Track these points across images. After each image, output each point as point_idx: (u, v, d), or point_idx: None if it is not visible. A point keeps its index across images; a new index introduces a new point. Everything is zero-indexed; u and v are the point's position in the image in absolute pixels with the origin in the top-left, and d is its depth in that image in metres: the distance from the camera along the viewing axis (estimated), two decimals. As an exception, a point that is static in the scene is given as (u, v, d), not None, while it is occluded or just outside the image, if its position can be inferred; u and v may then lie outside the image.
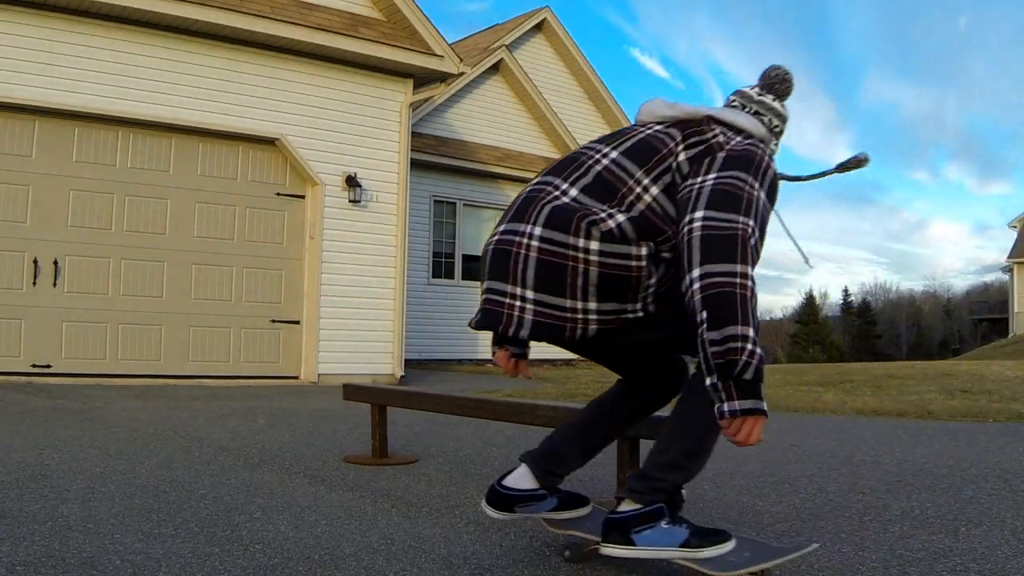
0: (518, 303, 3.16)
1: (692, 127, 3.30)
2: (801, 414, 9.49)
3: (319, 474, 5.57)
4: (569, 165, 3.37)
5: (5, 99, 11.17)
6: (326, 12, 13.35)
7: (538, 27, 23.80)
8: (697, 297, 2.89)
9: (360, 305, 13.72)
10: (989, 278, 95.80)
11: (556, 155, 22.80)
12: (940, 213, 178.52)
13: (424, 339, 19.72)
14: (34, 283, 11.46)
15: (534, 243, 3.13)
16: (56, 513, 4.26)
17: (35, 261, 11.48)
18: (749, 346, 2.82)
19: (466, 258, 21.20)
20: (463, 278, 21.04)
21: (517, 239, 3.18)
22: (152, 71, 12.12)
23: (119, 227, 12.15)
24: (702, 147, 3.18)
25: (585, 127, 24.43)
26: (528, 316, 3.14)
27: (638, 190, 3.18)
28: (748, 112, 3.52)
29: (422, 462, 6.13)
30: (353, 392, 6.50)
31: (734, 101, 3.58)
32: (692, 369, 3.38)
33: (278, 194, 13.40)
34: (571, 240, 3.08)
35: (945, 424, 8.41)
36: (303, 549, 3.74)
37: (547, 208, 3.18)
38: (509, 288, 3.18)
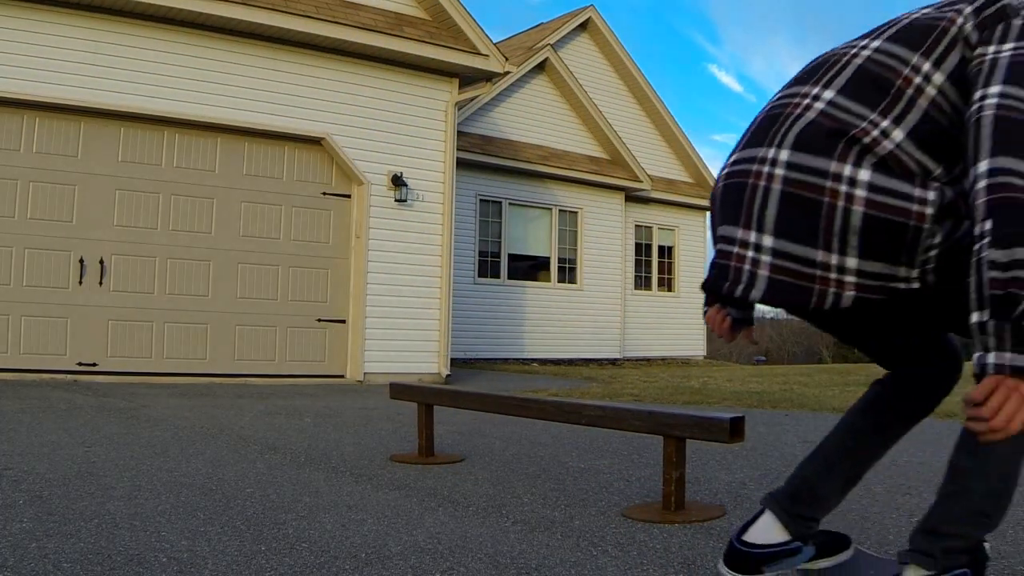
0: (751, 253, 2.42)
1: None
2: (850, 414, 9.38)
3: (365, 473, 5.55)
4: (822, 67, 2.55)
5: (51, 99, 11.24)
6: (371, 12, 13.35)
7: (583, 26, 23.78)
8: (981, 199, 2.08)
9: (406, 304, 13.72)
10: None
11: (602, 155, 22.80)
12: None
13: (470, 338, 19.74)
14: (80, 282, 11.53)
15: (778, 172, 2.37)
16: (103, 510, 4.25)
17: (81, 260, 11.54)
18: None
19: (512, 257, 21.20)
20: (509, 277, 21.03)
21: (755, 168, 2.44)
22: (197, 71, 12.17)
23: (165, 226, 12.21)
24: (994, 8, 2.29)
25: (631, 126, 24.41)
26: (763, 271, 2.39)
27: (917, 80, 2.33)
28: None
29: (468, 461, 6.10)
30: (400, 391, 6.47)
31: None
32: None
33: (324, 193, 13.42)
34: (832, 166, 2.29)
35: (996, 425, 8.29)
36: (349, 548, 3.71)
37: (797, 125, 2.40)
38: (740, 233, 2.45)
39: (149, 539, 3.75)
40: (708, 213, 26.84)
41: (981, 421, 1.99)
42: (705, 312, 2.97)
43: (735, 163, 2.53)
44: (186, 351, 12.29)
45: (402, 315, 13.67)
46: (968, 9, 2.33)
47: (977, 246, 2.06)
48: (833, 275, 2.30)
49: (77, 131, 11.65)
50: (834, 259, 2.29)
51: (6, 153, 11.18)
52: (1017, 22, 2.24)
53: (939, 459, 6.21)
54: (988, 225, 2.04)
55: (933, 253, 2.27)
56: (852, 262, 2.28)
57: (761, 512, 2.80)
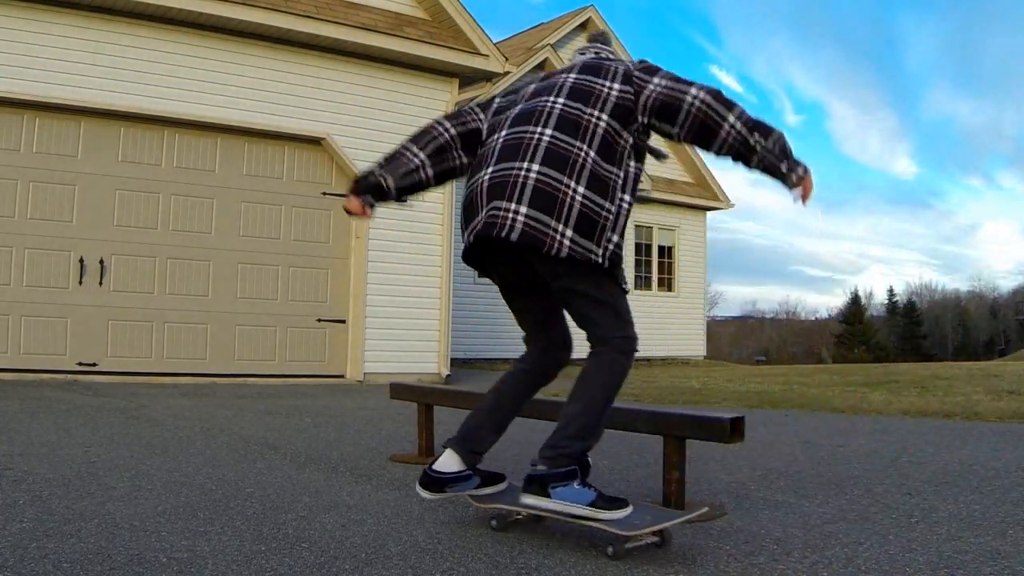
0: (511, 215, 3.86)
1: (601, 71, 4.19)
2: (847, 414, 9.40)
3: (365, 473, 5.55)
4: (532, 114, 4.13)
5: (51, 99, 11.24)
6: (371, 12, 13.36)
7: (582, 26, 23.77)
8: (740, 127, 3.94)
9: (406, 304, 13.72)
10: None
11: (601, 154, 22.74)
12: (992, 216, 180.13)
13: (470, 338, 19.74)
14: (80, 282, 11.53)
15: (532, 175, 3.89)
16: (103, 510, 4.26)
17: (81, 260, 11.54)
18: (786, 134, 3.99)
19: (512, 258, 21.19)
20: (509, 277, 21.01)
21: (515, 172, 3.94)
22: (197, 71, 12.17)
23: (165, 226, 12.20)
24: (623, 76, 4.10)
25: (630, 126, 24.33)
26: (519, 225, 3.84)
27: (594, 120, 4.00)
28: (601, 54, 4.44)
29: (468, 461, 6.10)
30: (400, 391, 6.47)
31: (590, 50, 4.51)
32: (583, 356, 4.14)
33: (324, 193, 13.42)
34: (564, 179, 3.86)
35: (992, 425, 8.30)
36: (349, 548, 3.72)
37: (540, 149, 3.95)
38: (505, 204, 3.89)
39: (149, 539, 3.75)
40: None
41: (805, 195, 3.96)
42: (350, 200, 4.42)
43: (496, 171, 4.02)
44: (186, 351, 12.29)
45: (402, 315, 13.68)
46: (610, 84, 4.09)
47: (757, 145, 3.92)
48: (559, 236, 3.79)
49: (77, 131, 11.65)
50: (561, 227, 3.80)
51: (6, 153, 11.19)
52: (637, 71, 4.10)
53: (939, 460, 6.21)
54: (756, 135, 3.93)
55: (610, 246, 3.90)
56: (570, 232, 3.80)
57: (444, 450, 4.18)
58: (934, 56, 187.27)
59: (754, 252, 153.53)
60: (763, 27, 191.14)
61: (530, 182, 3.86)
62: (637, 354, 4.11)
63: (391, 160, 4.38)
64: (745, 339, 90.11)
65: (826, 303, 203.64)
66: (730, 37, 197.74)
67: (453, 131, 4.41)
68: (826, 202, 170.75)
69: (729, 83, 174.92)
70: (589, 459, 4.05)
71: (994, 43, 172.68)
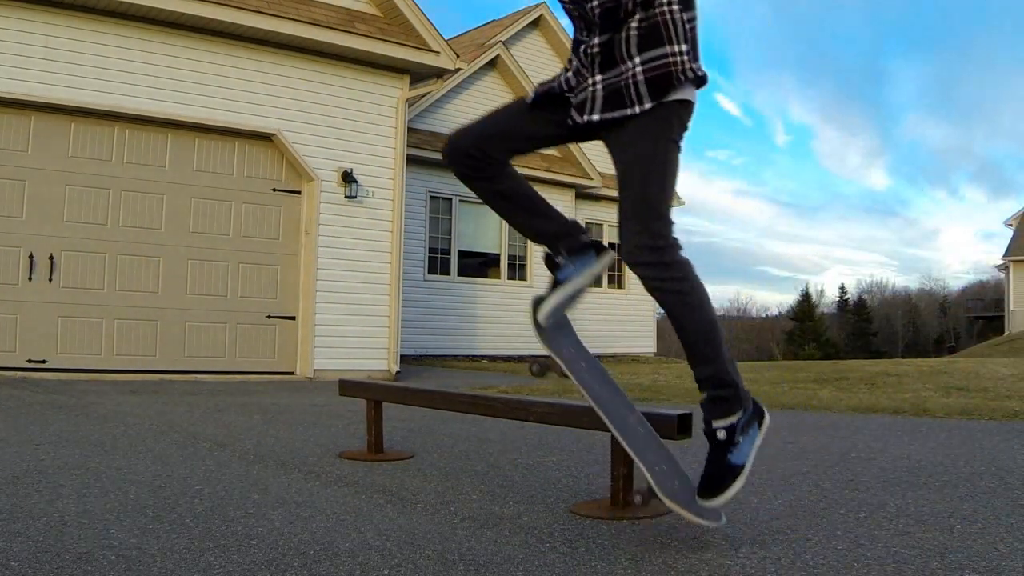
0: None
1: None
2: (797, 411, 9.47)
3: (314, 470, 5.56)
4: None
5: (1, 94, 11.15)
6: (322, 8, 13.34)
7: (534, 23, 23.82)
8: None
9: (356, 301, 13.72)
10: (986, 276, 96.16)
11: (553, 152, 22.83)
12: (951, 223, 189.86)
13: (420, 335, 19.74)
14: (30, 278, 11.46)
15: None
16: (51, 509, 4.25)
17: (31, 256, 11.46)
18: None
19: (462, 254, 21.23)
20: (459, 274, 21.05)
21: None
22: (148, 66, 12.12)
23: (115, 222, 12.14)
24: None
25: (582, 123, 24.38)
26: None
27: None
28: None
29: (417, 458, 6.11)
30: (349, 388, 6.48)
31: None
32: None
33: (274, 190, 13.40)
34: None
35: (941, 421, 8.39)
36: (298, 545, 3.73)
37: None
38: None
39: (98, 537, 3.75)
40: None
41: None
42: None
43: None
44: (136, 348, 12.24)
45: (352, 312, 13.68)
46: None
47: None
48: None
49: (27, 125, 11.57)
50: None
51: (-47, 148, 11.10)
52: None
53: (887, 457, 6.29)
54: None
55: None
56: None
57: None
58: (917, 91, 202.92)
59: (719, 253, 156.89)
60: (773, 66, 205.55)
61: None
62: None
63: None
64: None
65: (777, 300, 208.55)
66: (742, 73, 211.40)
67: None
68: (801, 209, 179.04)
69: (730, 109, 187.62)
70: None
71: (971, 78, 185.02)
